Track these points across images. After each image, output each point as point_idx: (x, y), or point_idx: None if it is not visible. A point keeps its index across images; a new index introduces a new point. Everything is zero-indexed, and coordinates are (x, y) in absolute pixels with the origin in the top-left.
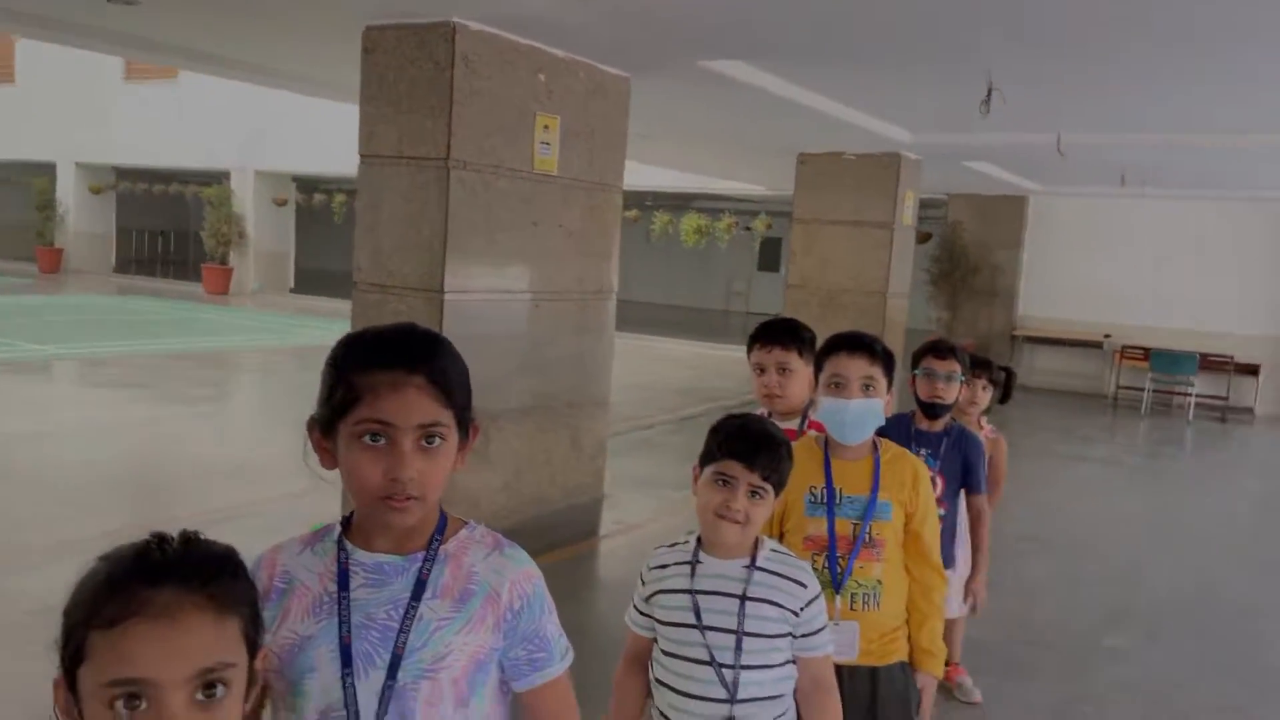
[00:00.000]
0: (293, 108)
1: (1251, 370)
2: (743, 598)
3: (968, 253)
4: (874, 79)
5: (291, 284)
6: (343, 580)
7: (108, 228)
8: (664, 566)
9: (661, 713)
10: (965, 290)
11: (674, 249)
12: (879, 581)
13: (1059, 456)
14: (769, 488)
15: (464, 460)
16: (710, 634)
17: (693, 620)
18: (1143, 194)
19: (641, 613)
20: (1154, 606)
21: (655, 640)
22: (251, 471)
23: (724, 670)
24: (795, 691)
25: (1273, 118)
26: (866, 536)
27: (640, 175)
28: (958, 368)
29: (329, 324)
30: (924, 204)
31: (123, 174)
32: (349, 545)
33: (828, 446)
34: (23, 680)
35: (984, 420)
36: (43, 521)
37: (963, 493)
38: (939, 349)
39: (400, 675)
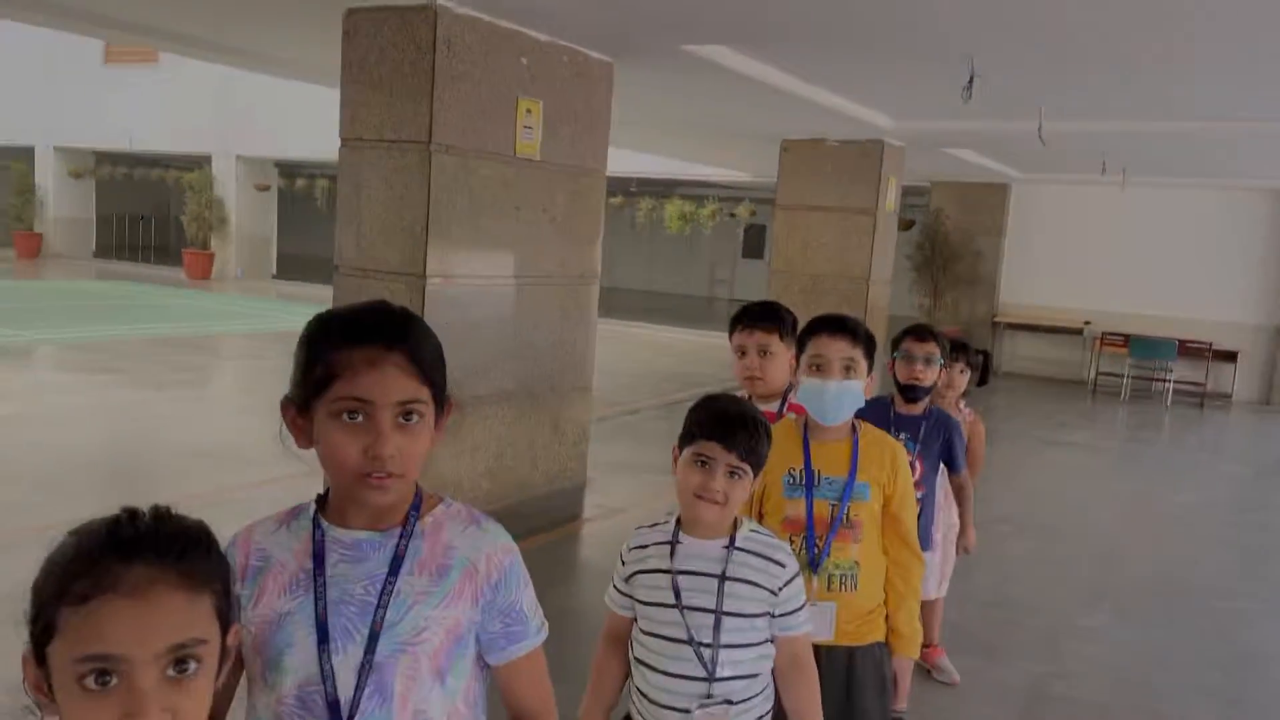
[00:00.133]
0: (275, 92)
1: (1229, 356)
2: (722, 577)
3: (950, 240)
4: (856, 64)
5: (274, 269)
6: (319, 557)
7: (88, 212)
8: (644, 547)
9: (640, 691)
10: (947, 277)
11: (658, 235)
12: (856, 563)
13: (1038, 441)
14: (747, 468)
15: (440, 436)
16: (689, 613)
17: (672, 600)
18: (1123, 182)
19: (621, 592)
20: (1130, 588)
21: (635, 620)
22: (231, 456)
23: (702, 649)
24: (774, 670)
25: (1251, 105)
26: (844, 518)
27: (624, 161)
28: (936, 351)
29: (311, 309)
30: (907, 191)
31: (103, 158)
32: (324, 523)
33: (807, 429)
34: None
35: (962, 404)
36: (19, 507)
37: (944, 474)
38: (918, 332)
39: (379, 650)
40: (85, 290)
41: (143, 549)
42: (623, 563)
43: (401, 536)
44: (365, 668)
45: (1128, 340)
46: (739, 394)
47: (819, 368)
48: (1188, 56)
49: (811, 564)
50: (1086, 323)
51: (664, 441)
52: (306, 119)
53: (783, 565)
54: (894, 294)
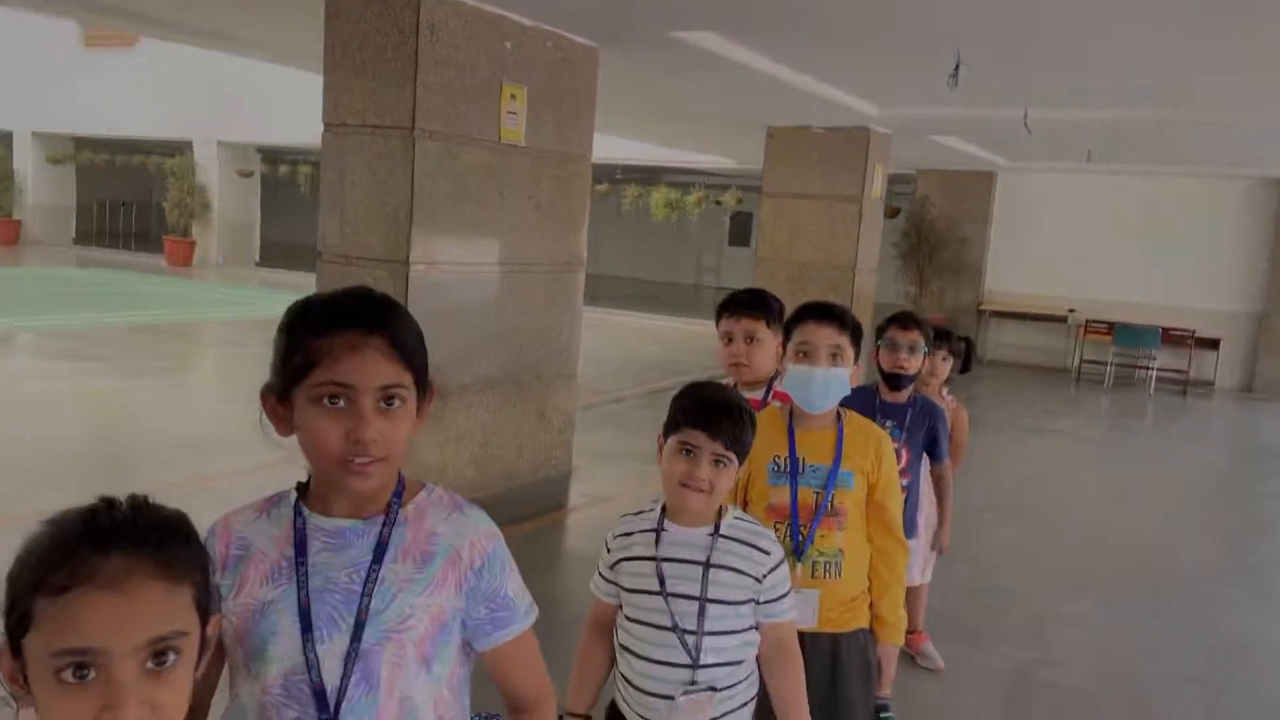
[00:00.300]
0: (257, 77)
1: (1212, 344)
2: (706, 564)
3: (935, 227)
4: (843, 52)
5: (257, 256)
6: (300, 545)
7: (68, 199)
8: (629, 534)
9: (625, 678)
10: (933, 265)
11: (644, 223)
12: (840, 550)
13: (1022, 429)
14: (732, 456)
15: (423, 422)
16: (674, 600)
17: (657, 587)
18: (1108, 170)
19: (606, 580)
20: (1114, 575)
21: (620, 607)
22: (211, 445)
23: (687, 636)
24: (758, 656)
25: (1237, 94)
26: (828, 505)
27: (610, 148)
28: (920, 338)
29: (294, 297)
30: (893, 179)
31: (83, 144)
32: (306, 510)
33: (792, 416)
34: None
35: (945, 391)
36: None
37: (927, 462)
38: (902, 320)
39: (365, 638)
40: (65, 277)
41: (120, 539)
42: (608, 550)
43: (384, 524)
44: (351, 656)
45: (1111, 328)
46: (724, 381)
47: (806, 354)
48: (1173, 45)
49: (796, 551)
50: (1071, 310)
51: (649, 429)
52: (290, 104)
53: (767, 552)
54: (880, 281)
